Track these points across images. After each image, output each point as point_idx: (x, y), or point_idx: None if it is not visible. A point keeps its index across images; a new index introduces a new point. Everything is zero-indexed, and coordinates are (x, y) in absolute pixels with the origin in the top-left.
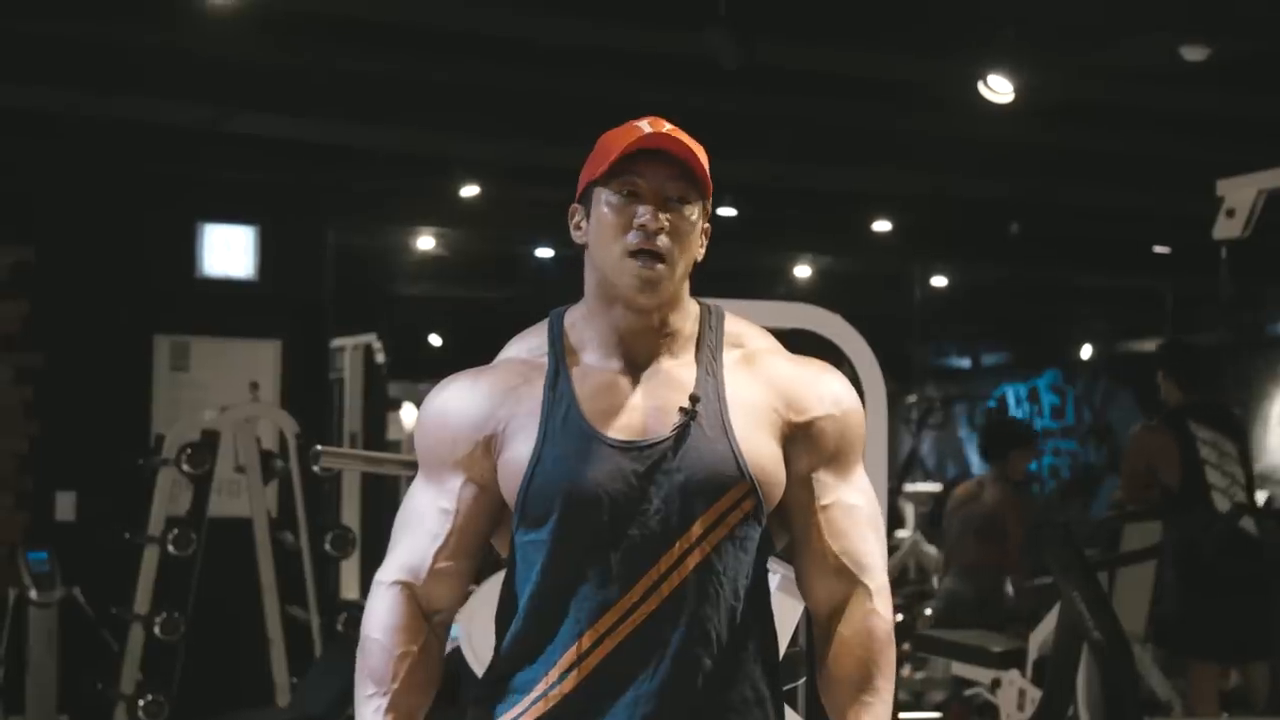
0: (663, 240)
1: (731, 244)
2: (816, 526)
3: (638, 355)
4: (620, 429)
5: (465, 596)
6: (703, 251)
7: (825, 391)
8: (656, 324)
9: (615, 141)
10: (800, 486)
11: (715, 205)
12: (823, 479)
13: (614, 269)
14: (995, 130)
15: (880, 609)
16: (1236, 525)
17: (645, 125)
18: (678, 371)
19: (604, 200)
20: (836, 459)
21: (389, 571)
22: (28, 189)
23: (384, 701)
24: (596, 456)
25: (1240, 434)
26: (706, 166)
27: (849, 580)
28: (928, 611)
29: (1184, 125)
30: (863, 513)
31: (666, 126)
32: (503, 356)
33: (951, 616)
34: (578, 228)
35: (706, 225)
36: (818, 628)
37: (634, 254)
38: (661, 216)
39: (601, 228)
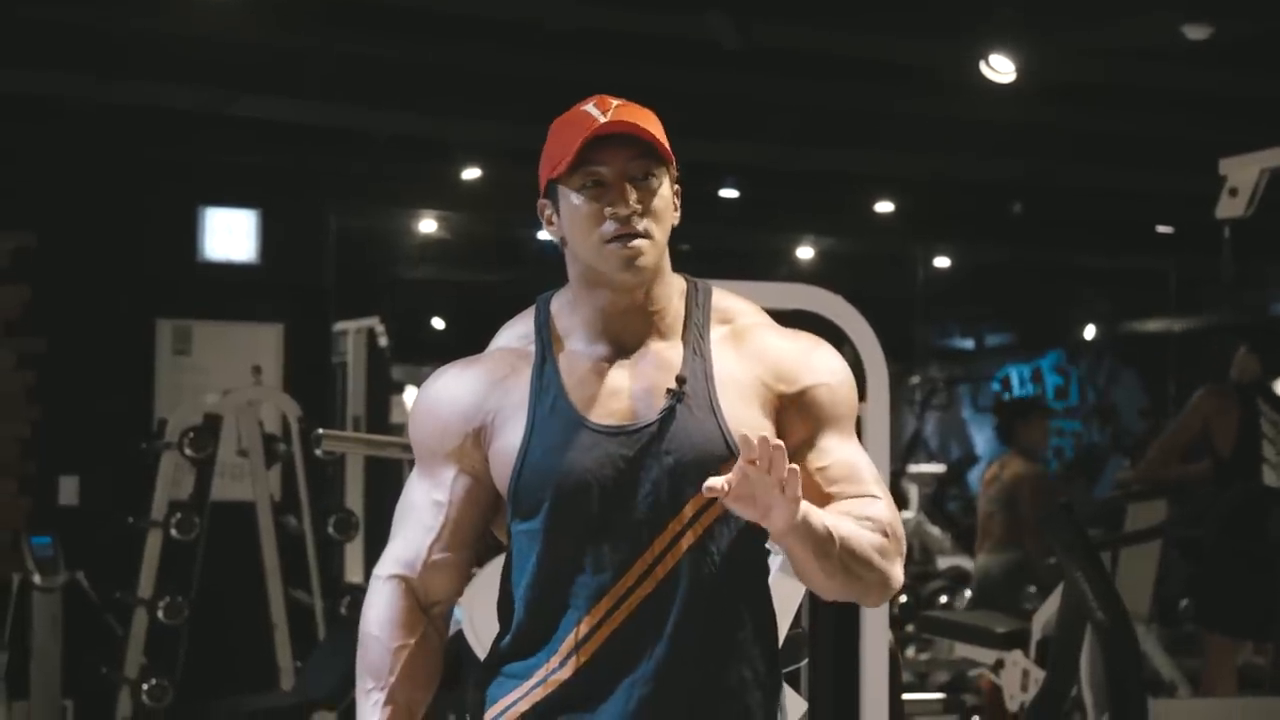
0: (638, 221)
1: (733, 225)
2: (815, 486)
3: (625, 338)
4: (608, 414)
5: (463, 586)
6: (678, 216)
7: (817, 362)
8: (641, 301)
9: (567, 133)
10: (799, 454)
11: (717, 187)
12: (820, 445)
13: (596, 258)
14: (997, 111)
15: (884, 506)
16: (1242, 503)
17: (594, 109)
18: (665, 353)
19: (571, 196)
20: (832, 425)
21: (385, 565)
22: (29, 174)
23: (382, 695)
24: (584, 443)
25: None
26: (662, 134)
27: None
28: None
29: (1186, 104)
30: (863, 465)
31: (615, 104)
32: (493, 346)
33: (984, 595)
34: (550, 222)
35: (676, 188)
36: None
37: (612, 240)
38: (631, 200)
39: (575, 222)
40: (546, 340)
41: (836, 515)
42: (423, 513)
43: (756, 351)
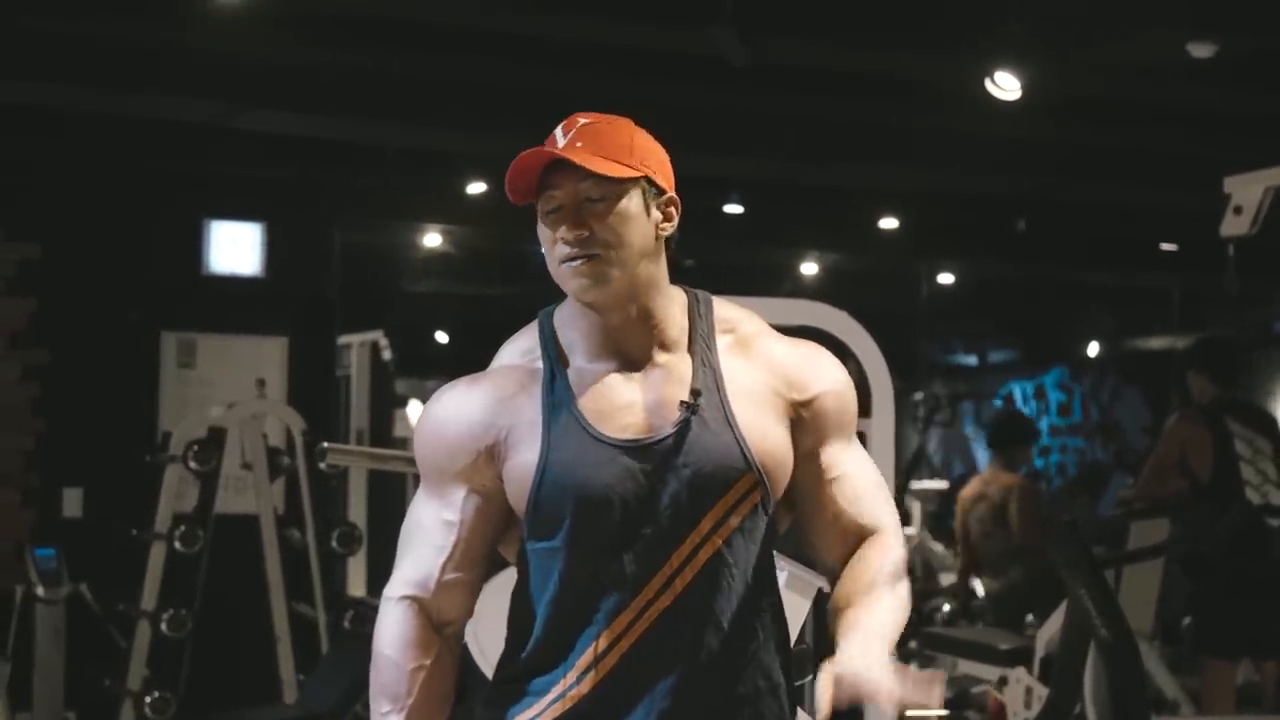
0: (589, 244)
1: (737, 241)
2: (830, 498)
3: (629, 351)
4: (623, 428)
5: (474, 605)
6: (669, 227)
7: (824, 370)
8: (637, 317)
9: (525, 160)
10: (808, 462)
11: (721, 202)
12: (829, 453)
13: (559, 280)
14: (1001, 127)
15: (894, 544)
16: (1244, 523)
17: (559, 132)
18: (673, 365)
19: (539, 220)
20: (840, 431)
21: (396, 586)
22: (34, 186)
23: (400, 718)
24: (603, 458)
25: (1274, 433)
26: (630, 148)
27: (865, 534)
28: (946, 608)
29: (1191, 122)
30: (871, 478)
31: (581, 123)
32: (496, 362)
33: (1000, 613)
34: None
35: (669, 197)
36: (831, 575)
37: (565, 262)
38: (578, 222)
39: (543, 244)
40: (553, 356)
41: (874, 608)
42: (432, 533)
43: (765, 359)
